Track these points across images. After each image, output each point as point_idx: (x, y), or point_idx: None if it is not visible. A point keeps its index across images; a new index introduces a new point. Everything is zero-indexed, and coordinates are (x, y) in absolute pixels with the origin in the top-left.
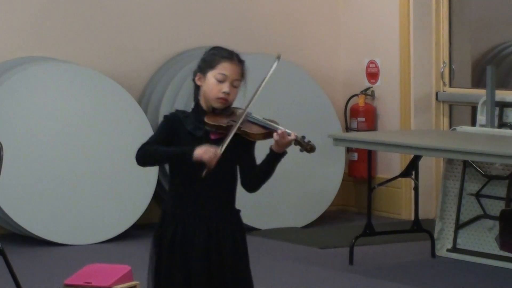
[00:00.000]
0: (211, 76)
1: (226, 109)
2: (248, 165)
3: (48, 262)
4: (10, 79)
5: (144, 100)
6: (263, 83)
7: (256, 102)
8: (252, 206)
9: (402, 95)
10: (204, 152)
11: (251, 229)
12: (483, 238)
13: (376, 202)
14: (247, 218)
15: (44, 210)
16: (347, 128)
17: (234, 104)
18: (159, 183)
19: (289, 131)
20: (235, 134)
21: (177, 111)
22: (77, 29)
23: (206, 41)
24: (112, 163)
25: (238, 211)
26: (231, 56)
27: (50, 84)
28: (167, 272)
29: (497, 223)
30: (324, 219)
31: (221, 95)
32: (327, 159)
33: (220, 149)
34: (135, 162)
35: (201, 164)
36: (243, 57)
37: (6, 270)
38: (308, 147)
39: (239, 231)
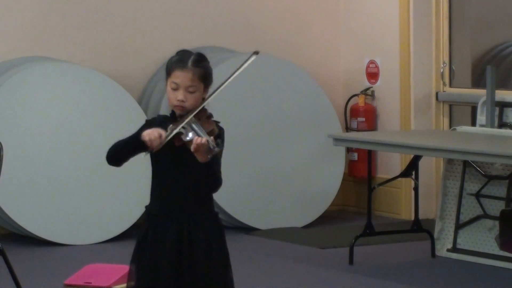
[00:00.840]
0: (168, 84)
1: (186, 114)
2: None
3: (48, 262)
4: (10, 79)
5: (144, 100)
6: (226, 82)
7: (256, 102)
8: (252, 206)
9: (402, 95)
10: (148, 133)
11: (251, 229)
12: (483, 238)
13: (376, 202)
14: (247, 218)
15: (44, 210)
16: (347, 128)
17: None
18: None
19: (205, 138)
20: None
21: (158, 116)
22: (77, 29)
23: (206, 41)
24: None
25: (216, 213)
26: (183, 63)
27: (50, 84)
28: (137, 269)
29: (497, 223)
30: (324, 219)
31: (176, 103)
32: (327, 159)
33: (167, 135)
34: (107, 162)
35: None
36: (203, 59)
37: (6, 270)
38: (213, 153)
39: (215, 233)
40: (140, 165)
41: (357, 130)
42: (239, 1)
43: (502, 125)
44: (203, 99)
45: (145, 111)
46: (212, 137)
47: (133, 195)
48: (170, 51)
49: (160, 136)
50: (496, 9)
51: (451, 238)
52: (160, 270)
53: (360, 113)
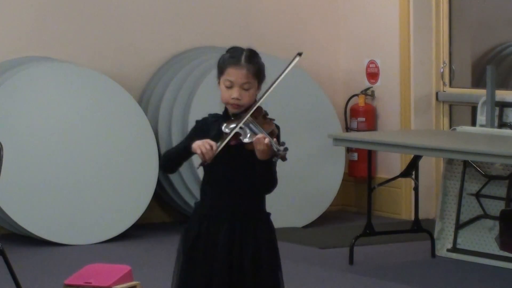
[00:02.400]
0: (222, 83)
1: (243, 112)
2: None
3: (48, 262)
4: (10, 79)
5: (144, 100)
6: (277, 81)
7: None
8: None
9: (402, 95)
10: (199, 146)
11: None
12: (483, 238)
13: (376, 202)
14: None
15: (44, 210)
16: (347, 128)
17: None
18: (159, 183)
19: (268, 138)
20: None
21: (209, 115)
22: (77, 29)
23: (206, 41)
24: (112, 163)
25: (268, 214)
26: (237, 60)
27: (50, 84)
28: (190, 269)
29: (497, 223)
30: (324, 219)
31: (232, 101)
32: (327, 159)
33: (219, 145)
34: (162, 171)
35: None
36: (256, 55)
37: (6, 270)
38: (279, 156)
39: (265, 234)
40: (140, 165)
41: (357, 130)
42: (239, 1)
43: (502, 125)
44: (255, 98)
45: (145, 111)
46: (274, 139)
47: (133, 195)
48: (170, 51)
49: (212, 147)
50: (496, 9)
51: (451, 238)
52: (213, 271)
53: (360, 113)
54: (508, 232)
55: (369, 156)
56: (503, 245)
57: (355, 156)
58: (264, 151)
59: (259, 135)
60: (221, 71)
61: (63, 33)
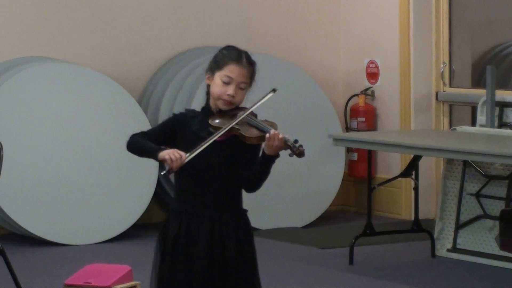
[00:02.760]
0: (218, 77)
1: (231, 110)
2: (248, 166)
3: (48, 262)
4: (10, 79)
5: (144, 100)
6: (254, 106)
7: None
8: (252, 206)
9: (402, 95)
10: (167, 154)
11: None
12: (483, 238)
13: (376, 202)
14: None
15: (44, 210)
16: (347, 128)
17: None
18: (159, 183)
19: (281, 134)
20: (236, 136)
21: (186, 110)
22: (77, 29)
23: (206, 41)
24: (112, 163)
25: (245, 211)
26: (240, 59)
27: (50, 84)
28: (170, 270)
29: (497, 223)
30: (324, 219)
31: (226, 97)
32: (327, 159)
33: (188, 156)
34: (125, 146)
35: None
36: (252, 58)
37: (6, 270)
38: (297, 152)
39: (245, 230)
40: (140, 165)
41: (357, 130)
42: (239, 2)
43: (502, 125)
44: None
45: (145, 111)
46: (287, 135)
47: (133, 195)
48: (170, 51)
49: (181, 157)
50: (496, 9)
51: (451, 238)
52: (194, 270)
53: (360, 113)
54: (508, 232)
55: (369, 156)
56: (503, 245)
57: (355, 156)
58: (278, 147)
59: (273, 131)
60: (219, 66)
61: (63, 33)
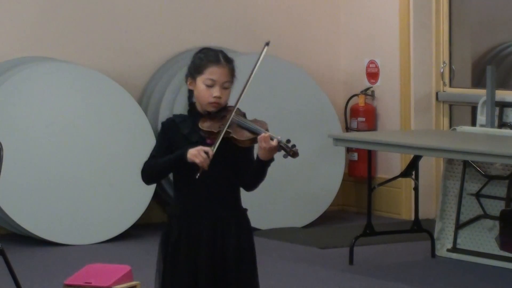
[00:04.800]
0: (200, 82)
1: (220, 111)
2: (244, 166)
3: (48, 262)
4: (10, 79)
5: (144, 100)
6: (251, 77)
7: (257, 102)
8: (252, 206)
9: (402, 95)
10: (195, 155)
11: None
12: (483, 238)
13: (376, 202)
14: None
15: (44, 210)
16: (347, 128)
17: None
18: (159, 183)
19: (273, 136)
20: (228, 138)
21: (174, 116)
22: (77, 29)
23: (206, 41)
24: (112, 163)
25: (244, 210)
26: (218, 59)
27: (50, 84)
28: (172, 272)
29: (497, 223)
30: (324, 219)
31: (212, 100)
32: (327, 159)
33: (213, 149)
34: (143, 182)
35: (196, 165)
36: (230, 55)
37: (6, 270)
38: (291, 152)
39: (245, 230)
40: (140, 165)
41: (357, 130)
42: (239, 2)
43: (502, 125)
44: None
45: (145, 111)
46: (280, 136)
47: (133, 195)
48: (170, 51)
49: (208, 154)
50: (496, 9)
51: (451, 238)
52: (198, 271)
53: (360, 113)
54: (508, 232)
55: (369, 156)
56: (503, 245)
57: (355, 156)
58: (270, 149)
59: (264, 134)
60: (199, 70)
61: (63, 33)
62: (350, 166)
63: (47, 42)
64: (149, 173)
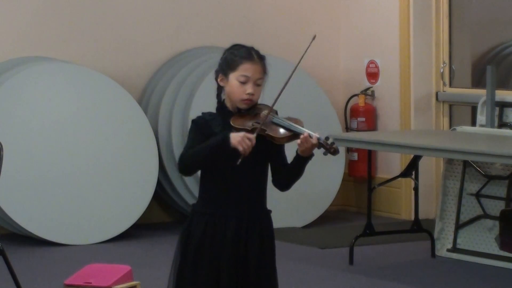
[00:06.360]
0: (233, 78)
1: (251, 108)
2: (278, 164)
3: (48, 262)
4: (10, 79)
5: (144, 100)
6: (297, 65)
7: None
8: None
9: (402, 95)
10: (240, 141)
11: None
12: (483, 238)
13: (376, 202)
14: None
15: (44, 210)
16: (347, 128)
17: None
18: (159, 183)
19: (312, 134)
20: (262, 135)
21: (203, 113)
22: (77, 29)
23: (206, 41)
24: (112, 163)
25: (269, 211)
26: (251, 56)
27: (50, 84)
28: (193, 271)
29: (497, 223)
30: (324, 219)
31: (246, 97)
32: (327, 159)
33: (254, 136)
34: (181, 174)
35: (235, 153)
36: (262, 52)
37: (6, 270)
38: (331, 150)
39: (268, 231)
40: (140, 165)
41: (357, 130)
42: (239, 1)
43: (502, 125)
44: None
45: (145, 111)
46: (318, 133)
47: (133, 195)
48: (170, 51)
49: (250, 140)
50: (496, 9)
51: (451, 238)
52: (220, 271)
53: (360, 113)
54: (508, 232)
55: (369, 156)
56: (503, 245)
57: (355, 156)
58: (311, 148)
59: (306, 133)
60: (232, 67)
61: (63, 33)
62: (350, 166)
63: (47, 42)
64: (190, 161)
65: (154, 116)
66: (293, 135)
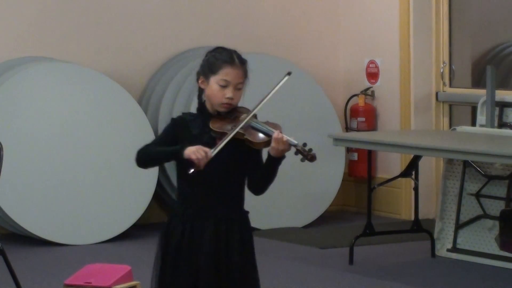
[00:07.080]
0: (214, 82)
1: (231, 112)
2: (253, 168)
3: (48, 262)
4: (10, 79)
5: (144, 100)
6: (269, 95)
7: (256, 102)
8: (252, 206)
9: (402, 95)
10: (193, 152)
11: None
12: (483, 238)
13: (376, 202)
14: None
15: (44, 210)
16: (347, 128)
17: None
18: (159, 183)
19: (290, 140)
20: (240, 139)
21: (184, 114)
22: (77, 29)
23: (206, 41)
24: (112, 163)
25: (247, 212)
26: (232, 60)
27: (50, 84)
28: (173, 271)
29: (497, 223)
30: (324, 219)
31: (225, 101)
32: (327, 159)
33: (213, 151)
34: (135, 164)
35: (192, 163)
36: (244, 56)
37: (6, 270)
38: (309, 156)
39: (247, 231)
40: (140, 167)
41: (357, 130)
42: (239, 2)
43: (502, 125)
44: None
45: (145, 111)
46: (296, 140)
47: (133, 195)
48: (170, 51)
49: (206, 154)
50: (496, 9)
51: (451, 238)
52: (199, 270)
53: (360, 113)
54: (508, 232)
55: (369, 156)
56: (503, 245)
57: (355, 156)
58: (283, 150)
59: (277, 133)
60: (213, 70)
61: (63, 33)
62: (350, 166)
63: (47, 42)
64: (143, 158)
65: (154, 116)
66: (270, 140)
